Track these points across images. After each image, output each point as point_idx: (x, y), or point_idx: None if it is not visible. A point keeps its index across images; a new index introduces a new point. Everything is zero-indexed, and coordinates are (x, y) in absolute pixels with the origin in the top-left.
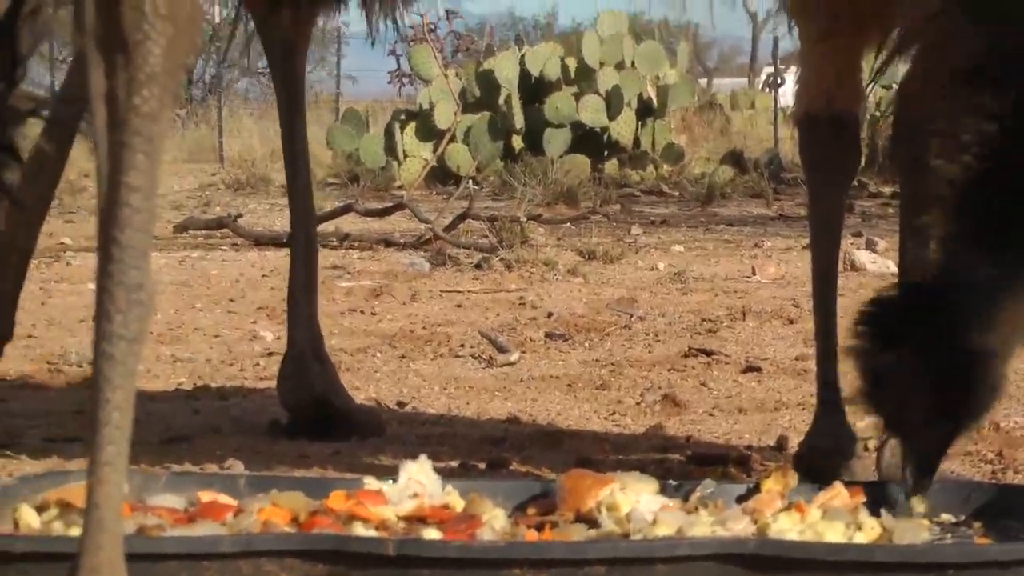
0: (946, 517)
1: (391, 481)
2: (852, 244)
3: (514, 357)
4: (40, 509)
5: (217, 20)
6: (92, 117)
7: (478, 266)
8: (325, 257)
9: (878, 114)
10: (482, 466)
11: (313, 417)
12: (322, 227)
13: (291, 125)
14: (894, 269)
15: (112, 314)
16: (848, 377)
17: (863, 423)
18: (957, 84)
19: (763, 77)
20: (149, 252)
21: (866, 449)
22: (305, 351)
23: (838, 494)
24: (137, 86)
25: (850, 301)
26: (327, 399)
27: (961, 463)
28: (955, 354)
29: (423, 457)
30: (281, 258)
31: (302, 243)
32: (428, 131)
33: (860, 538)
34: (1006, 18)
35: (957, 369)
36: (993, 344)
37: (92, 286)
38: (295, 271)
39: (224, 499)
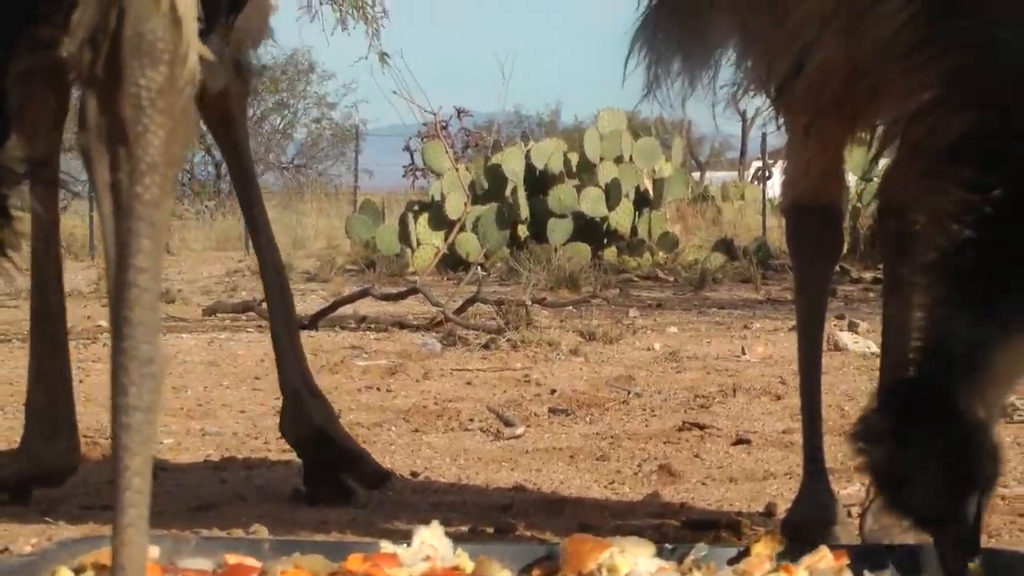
0: None
1: (405, 545)
2: (835, 326)
3: (520, 431)
4: (77, 572)
5: None
6: (99, 206)
7: (486, 346)
8: (344, 338)
9: (859, 205)
10: (490, 531)
11: (316, 451)
12: (341, 310)
13: (245, 192)
14: (875, 349)
15: (127, 387)
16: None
17: (846, 491)
18: (941, 164)
19: (752, 170)
20: (158, 329)
21: (849, 515)
22: (299, 388)
23: (824, 557)
24: (139, 176)
25: (834, 379)
26: (326, 431)
27: None
28: (963, 428)
29: (435, 523)
30: (303, 339)
31: (275, 284)
32: (440, 221)
33: None
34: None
35: (967, 443)
36: (991, 408)
37: None
38: (274, 312)
39: (250, 562)
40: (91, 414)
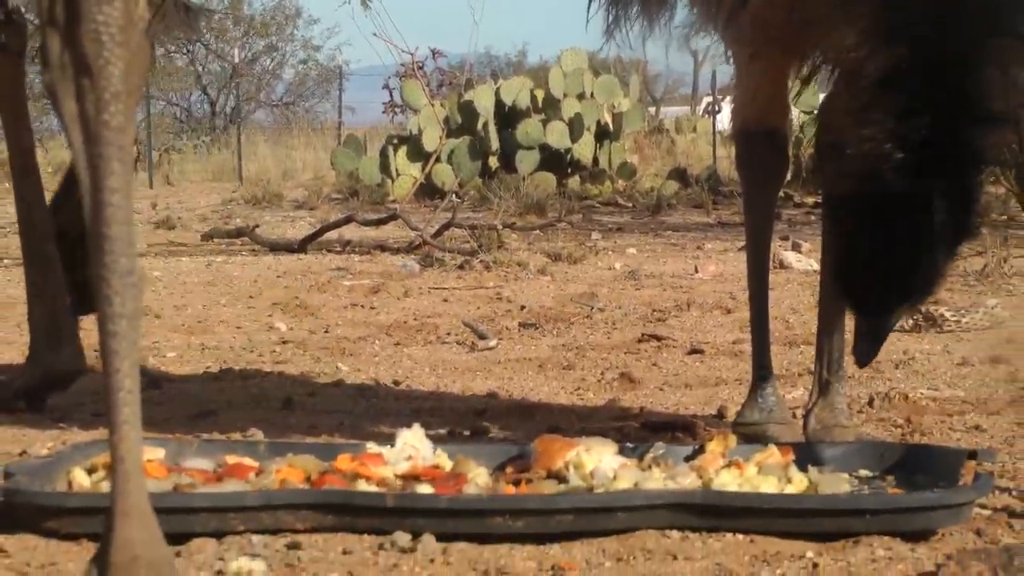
0: (864, 472)
1: (389, 446)
2: (780, 246)
3: (493, 343)
4: (90, 471)
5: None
6: (68, 137)
7: (461, 267)
8: (331, 260)
9: (802, 135)
10: (467, 433)
11: None
12: (327, 235)
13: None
14: (816, 267)
15: (111, 297)
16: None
17: (791, 395)
18: (871, 94)
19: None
20: (135, 242)
21: (794, 416)
22: None
23: (772, 454)
24: (105, 104)
25: (779, 294)
26: None
27: (875, 427)
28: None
29: (416, 426)
30: (292, 261)
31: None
32: (417, 153)
33: (791, 490)
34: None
35: (909, 258)
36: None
37: None
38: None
39: (247, 462)
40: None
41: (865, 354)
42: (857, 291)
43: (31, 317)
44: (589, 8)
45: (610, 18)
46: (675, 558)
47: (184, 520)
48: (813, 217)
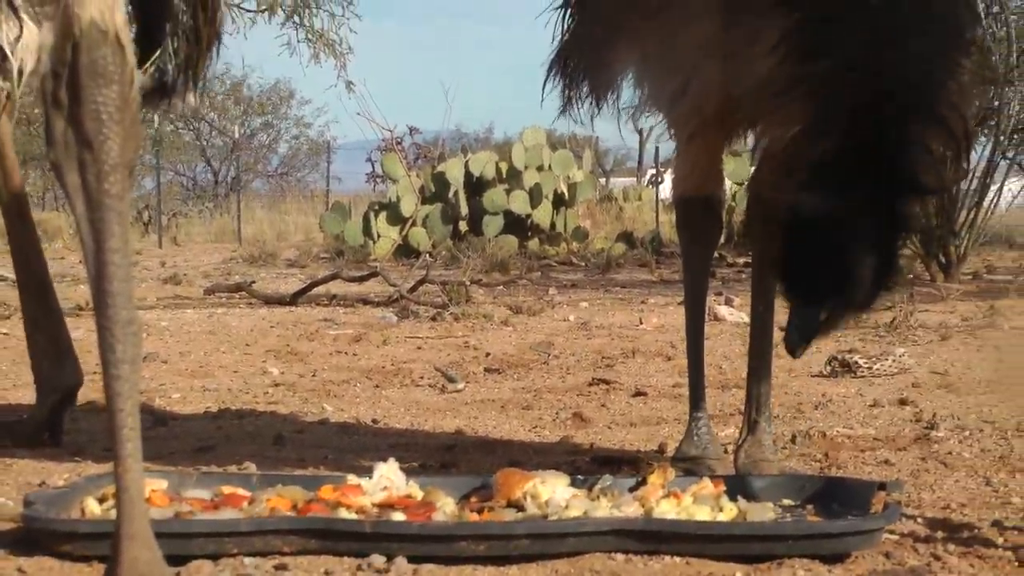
0: (786, 502)
1: (368, 478)
2: (714, 301)
3: (460, 386)
4: (101, 500)
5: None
6: (72, 206)
7: (433, 319)
8: (318, 312)
9: (733, 204)
10: (437, 466)
11: None
12: (315, 290)
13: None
14: (746, 319)
15: (113, 345)
16: (712, 400)
17: (723, 433)
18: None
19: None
20: (133, 297)
21: (726, 452)
22: None
23: (706, 486)
24: (105, 175)
25: (713, 343)
26: None
27: (797, 461)
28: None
29: (392, 460)
30: (284, 313)
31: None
32: (396, 218)
33: (722, 517)
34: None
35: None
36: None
37: (144, 337)
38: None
39: (241, 491)
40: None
41: (794, 343)
42: (788, 281)
43: (33, 348)
44: (544, 88)
45: (564, 97)
46: None
47: (184, 544)
48: (743, 275)
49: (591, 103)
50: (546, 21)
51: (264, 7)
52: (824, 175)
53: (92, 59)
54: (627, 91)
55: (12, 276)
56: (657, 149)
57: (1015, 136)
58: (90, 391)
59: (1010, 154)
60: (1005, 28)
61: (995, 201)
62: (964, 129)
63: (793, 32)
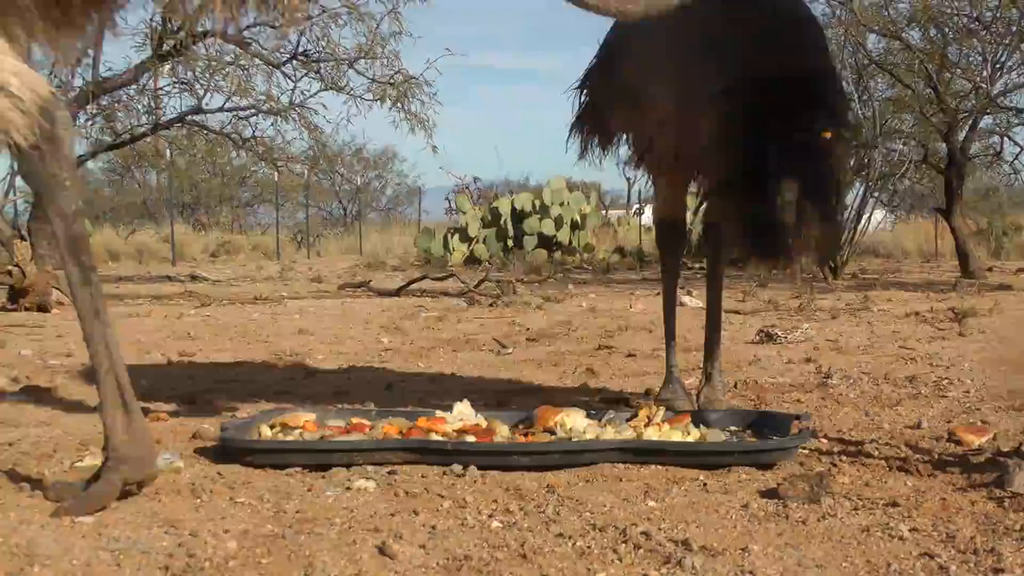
0: (733, 428)
1: (449, 412)
2: (681, 292)
3: (510, 350)
4: (271, 427)
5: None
6: (41, 188)
7: (491, 305)
8: (414, 301)
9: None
10: (495, 404)
11: None
12: (412, 287)
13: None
14: (702, 305)
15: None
16: (681, 358)
17: (689, 382)
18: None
19: (634, 209)
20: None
21: (689, 394)
22: None
23: (678, 418)
24: (65, 162)
25: (680, 321)
26: None
27: (739, 401)
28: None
29: (465, 400)
30: (392, 302)
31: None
32: (465, 237)
33: (689, 439)
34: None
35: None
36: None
37: (298, 317)
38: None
39: (365, 422)
40: (276, 343)
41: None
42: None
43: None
44: (567, 143)
45: (580, 149)
46: (620, 480)
47: (327, 457)
48: (700, 275)
49: (599, 151)
50: (570, 95)
51: (377, 98)
52: (746, 198)
53: None
54: (621, 145)
55: (211, 277)
56: (640, 191)
57: (879, 182)
58: (265, 355)
59: (876, 194)
60: (872, 109)
61: (866, 225)
62: (838, 180)
63: (724, 116)
